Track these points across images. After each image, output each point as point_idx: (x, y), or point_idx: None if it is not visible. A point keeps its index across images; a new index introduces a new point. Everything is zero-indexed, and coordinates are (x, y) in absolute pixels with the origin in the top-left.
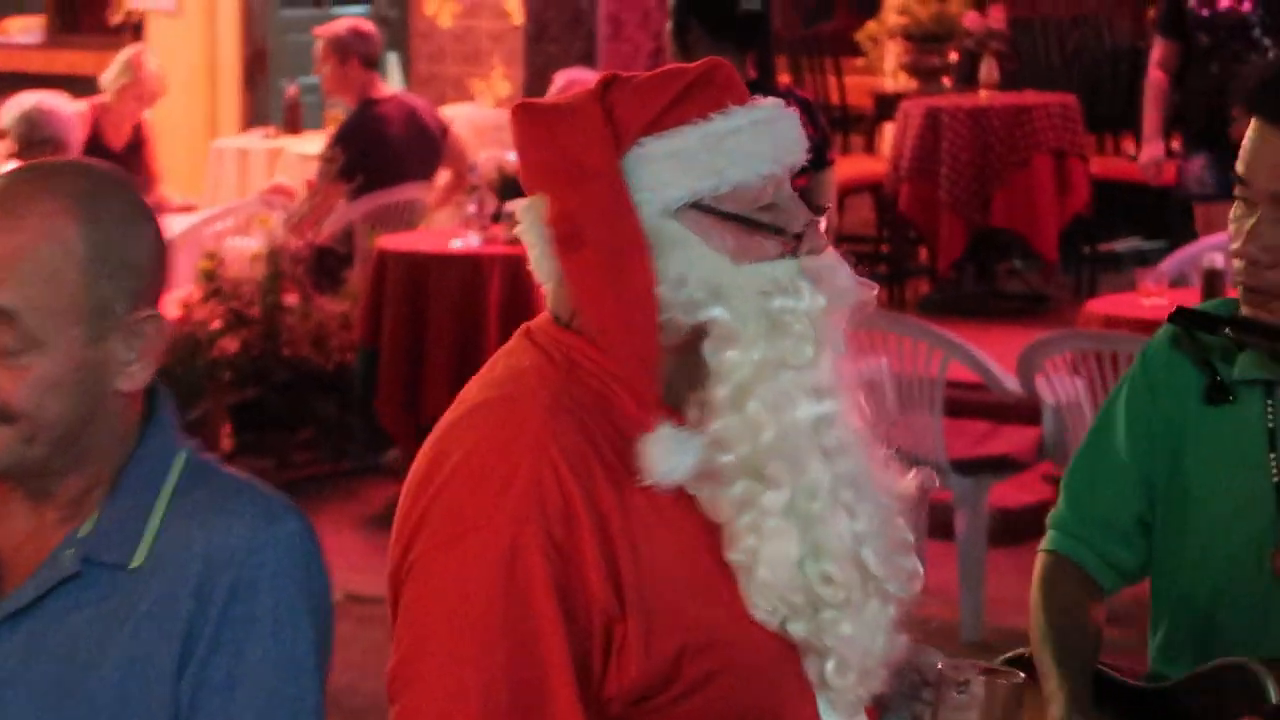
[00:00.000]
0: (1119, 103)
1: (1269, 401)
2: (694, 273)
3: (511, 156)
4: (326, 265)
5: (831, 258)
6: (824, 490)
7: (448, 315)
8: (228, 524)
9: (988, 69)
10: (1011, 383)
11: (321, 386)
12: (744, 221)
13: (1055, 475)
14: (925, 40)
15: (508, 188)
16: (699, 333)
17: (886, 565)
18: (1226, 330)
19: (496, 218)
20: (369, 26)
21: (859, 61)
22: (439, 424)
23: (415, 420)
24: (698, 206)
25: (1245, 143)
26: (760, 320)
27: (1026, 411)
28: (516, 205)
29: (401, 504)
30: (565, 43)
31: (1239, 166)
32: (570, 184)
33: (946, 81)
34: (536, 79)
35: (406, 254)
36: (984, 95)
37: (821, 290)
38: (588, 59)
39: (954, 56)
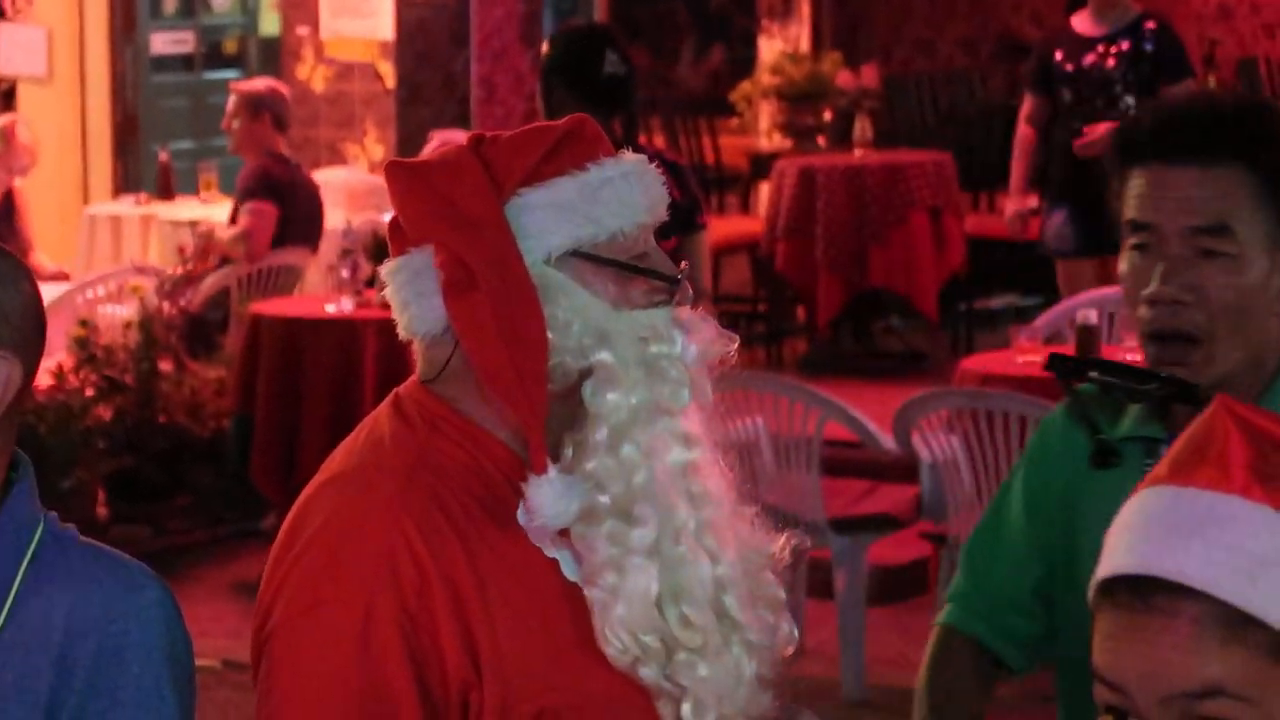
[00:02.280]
0: (993, 160)
1: (1147, 461)
2: (579, 318)
3: (386, 218)
4: (201, 331)
5: (699, 311)
6: (688, 533)
7: (323, 380)
8: (88, 593)
9: (862, 127)
10: (888, 441)
11: (197, 453)
12: (622, 268)
13: (933, 533)
14: (799, 100)
15: (382, 252)
16: (581, 376)
17: (750, 614)
18: (1092, 374)
19: (371, 282)
20: (284, 89)
21: (733, 122)
22: (303, 492)
23: (291, 485)
24: (577, 254)
25: (1136, 191)
26: (638, 365)
27: (904, 470)
28: (385, 267)
29: (265, 572)
30: (438, 106)
31: (1136, 214)
32: (457, 230)
33: (821, 140)
34: (410, 142)
35: (281, 319)
36: (859, 154)
37: (692, 339)
38: (461, 122)
39: (828, 115)
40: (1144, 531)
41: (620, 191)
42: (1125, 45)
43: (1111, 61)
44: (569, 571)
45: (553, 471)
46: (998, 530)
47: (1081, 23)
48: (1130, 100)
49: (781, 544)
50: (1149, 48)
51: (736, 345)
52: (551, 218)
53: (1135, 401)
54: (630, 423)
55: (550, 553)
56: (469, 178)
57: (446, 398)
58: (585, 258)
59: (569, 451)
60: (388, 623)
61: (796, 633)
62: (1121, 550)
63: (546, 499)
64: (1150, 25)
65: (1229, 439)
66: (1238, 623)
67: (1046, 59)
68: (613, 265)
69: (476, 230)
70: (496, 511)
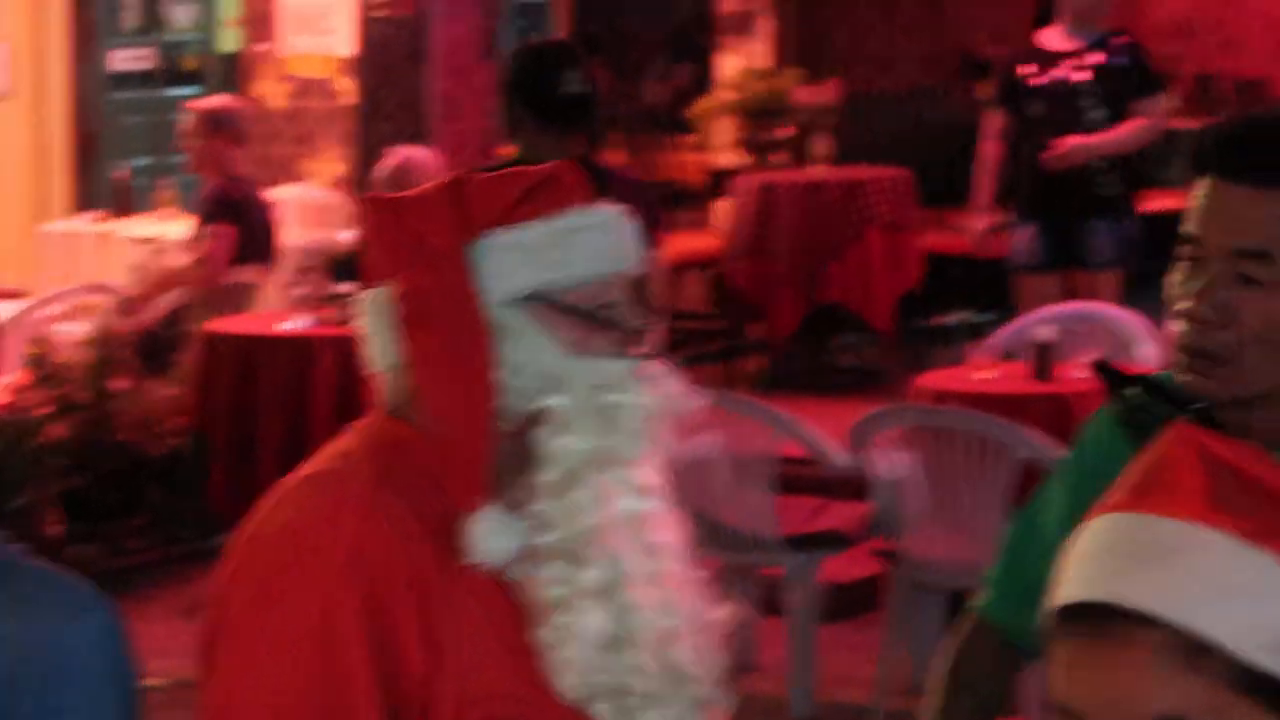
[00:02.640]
0: (951, 177)
1: None
2: (532, 361)
3: (342, 237)
4: (157, 349)
5: (664, 367)
6: (639, 582)
7: (278, 398)
8: (36, 615)
9: (820, 144)
10: (843, 458)
11: (152, 471)
12: (584, 316)
13: (886, 550)
14: (758, 116)
15: (338, 269)
16: (531, 420)
17: (697, 669)
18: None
19: (327, 299)
20: (241, 106)
21: (692, 138)
22: (266, 497)
23: (247, 504)
24: (541, 298)
25: (1195, 202)
26: (593, 413)
27: (858, 486)
28: (358, 294)
29: (222, 564)
30: (399, 122)
31: (1189, 226)
32: (417, 265)
33: (780, 157)
34: (369, 159)
35: (236, 337)
36: (817, 170)
37: (651, 392)
38: (421, 138)
39: (787, 132)
40: (1102, 559)
41: (590, 240)
42: (1097, 59)
43: (1083, 75)
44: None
45: (491, 509)
46: (1035, 522)
47: (1051, 38)
48: (1101, 114)
49: (723, 611)
50: (1121, 61)
51: (702, 405)
52: (517, 260)
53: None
54: (582, 468)
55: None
56: (438, 213)
57: (413, 425)
58: (548, 302)
59: (519, 494)
60: (351, 614)
61: (731, 703)
62: (1080, 578)
63: (483, 536)
64: (1121, 40)
65: (1187, 466)
66: (1198, 651)
67: (1013, 74)
68: (574, 313)
69: (437, 266)
70: (460, 531)
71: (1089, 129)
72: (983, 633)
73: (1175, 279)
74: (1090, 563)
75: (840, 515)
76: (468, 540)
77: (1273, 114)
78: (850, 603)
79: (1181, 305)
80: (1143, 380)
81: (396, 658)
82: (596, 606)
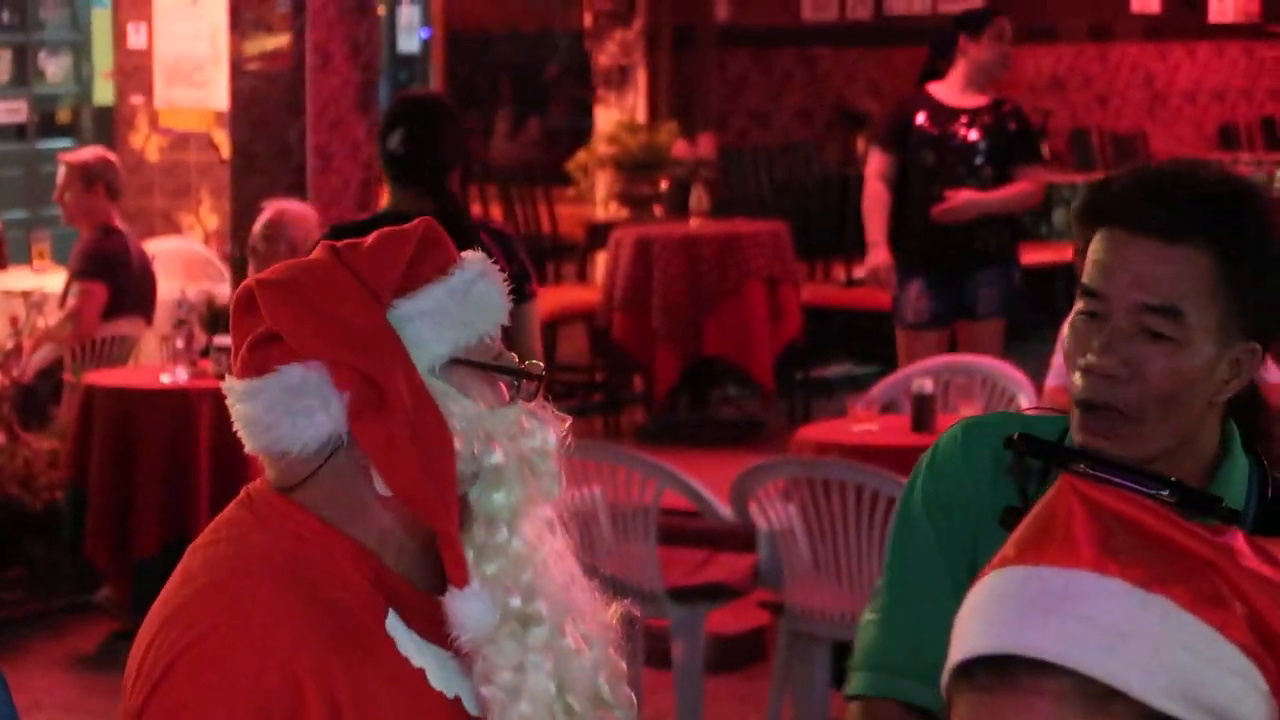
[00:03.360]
0: (828, 229)
1: None
2: (468, 424)
3: (219, 289)
4: (33, 402)
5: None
6: (568, 623)
7: (157, 451)
8: None
9: (698, 197)
10: (726, 510)
11: (30, 525)
12: (492, 370)
13: (771, 602)
14: (635, 169)
15: (216, 322)
16: (470, 481)
17: (616, 694)
18: (1082, 466)
19: (205, 352)
20: (114, 158)
21: (570, 191)
22: (163, 601)
23: (126, 557)
24: (455, 361)
25: (1094, 255)
26: (516, 462)
27: (741, 539)
28: (242, 385)
29: (124, 697)
30: (273, 175)
31: (1089, 280)
32: (355, 349)
33: (658, 210)
34: (245, 211)
35: (114, 389)
36: (695, 223)
37: (550, 428)
38: (297, 191)
39: (664, 185)
40: (998, 612)
41: (482, 293)
42: (989, 120)
43: (977, 133)
44: (435, 680)
45: (476, 584)
46: (912, 579)
47: (945, 92)
48: (989, 172)
49: (616, 612)
50: (1012, 126)
51: (569, 424)
52: (431, 326)
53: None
54: (516, 519)
55: (418, 662)
56: (347, 290)
57: (308, 506)
58: (463, 363)
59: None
60: None
61: (636, 701)
62: (976, 632)
63: (473, 613)
64: (1008, 106)
65: (1075, 517)
66: (1101, 696)
67: (906, 120)
68: (485, 368)
69: (375, 346)
70: (366, 622)
71: (977, 185)
72: (880, 712)
73: (1072, 333)
74: (987, 616)
75: (725, 567)
76: (452, 620)
77: (1176, 165)
78: (736, 654)
79: (1082, 360)
80: (1048, 448)
81: None
82: (544, 660)
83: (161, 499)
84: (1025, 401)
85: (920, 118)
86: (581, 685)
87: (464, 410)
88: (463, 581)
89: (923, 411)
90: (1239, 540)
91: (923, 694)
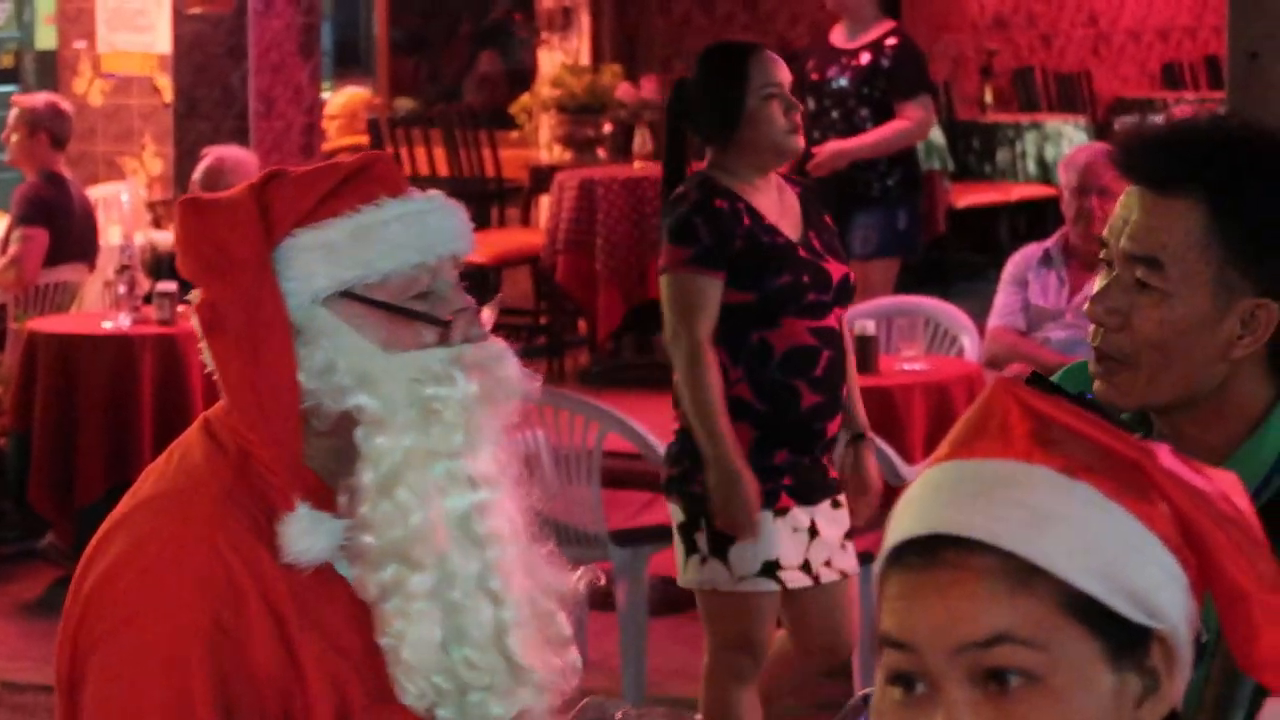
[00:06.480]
0: None
1: None
2: (342, 360)
3: (163, 235)
4: None
5: (495, 349)
6: (469, 578)
7: (100, 398)
8: None
9: (642, 140)
10: None
11: None
12: (394, 310)
13: None
14: (579, 112)
15: (159, 268)
16: (351, 419)
17: (535, 656)
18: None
19: (148, 299)
20: (66, 107)
21: (514, 134)
22: (112, 516)
23: (70, 504)
24: (348, 295)
25: (1118, 206)
26: (411, 408)
27: None
28: (188, 296)
29: (70, 595)
30: (216, 120)
31: (1104, 231)
32: (216, 275)
33: (601, 153)
34: (188, 157)
35: (57, 336)
36: (638, 166)
37: (475, 379)
38: (240, 136)
39: (608, 128)
40: (931, 499)
41: (396, 233)
42: (864, 60)
43: (849, 76)
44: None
45: (301, 508)
46: None
47: (836, 34)
48: (865, 114)
49: (575, 578)
50: (885, 64)
51: (538, 385)
52: (320, 259)
53: None
54: (403, 466)
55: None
56: (242, 220)
57: (247, 425)
58: (356, 299)
59: (345, 495)
60: (197, 640)
61: (580, 663)
62: (908, 519)
63: (295, 535)
64: (892, 42)
65: (1009, 413)
66: (1025, 573)
67: (802, 69)
68: (383, 308)
69: (235, 274)
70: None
71: (852, 130)
72: None
73: (1098, 280)
74: (920, 504)
75: (668, 510)
76: (281, 540)
77: (1183, 120)
78: (680, 597)
79: (1088, 308)
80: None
81: (252, 676)
82: (430, 608)
83: (105, 445)
84: (968, 342)
85: (810, 63)
86: (482, 640)
87: (339, 345)
88: (286, 505)
89: (865, 352)
90: (1164, 449)
91: None
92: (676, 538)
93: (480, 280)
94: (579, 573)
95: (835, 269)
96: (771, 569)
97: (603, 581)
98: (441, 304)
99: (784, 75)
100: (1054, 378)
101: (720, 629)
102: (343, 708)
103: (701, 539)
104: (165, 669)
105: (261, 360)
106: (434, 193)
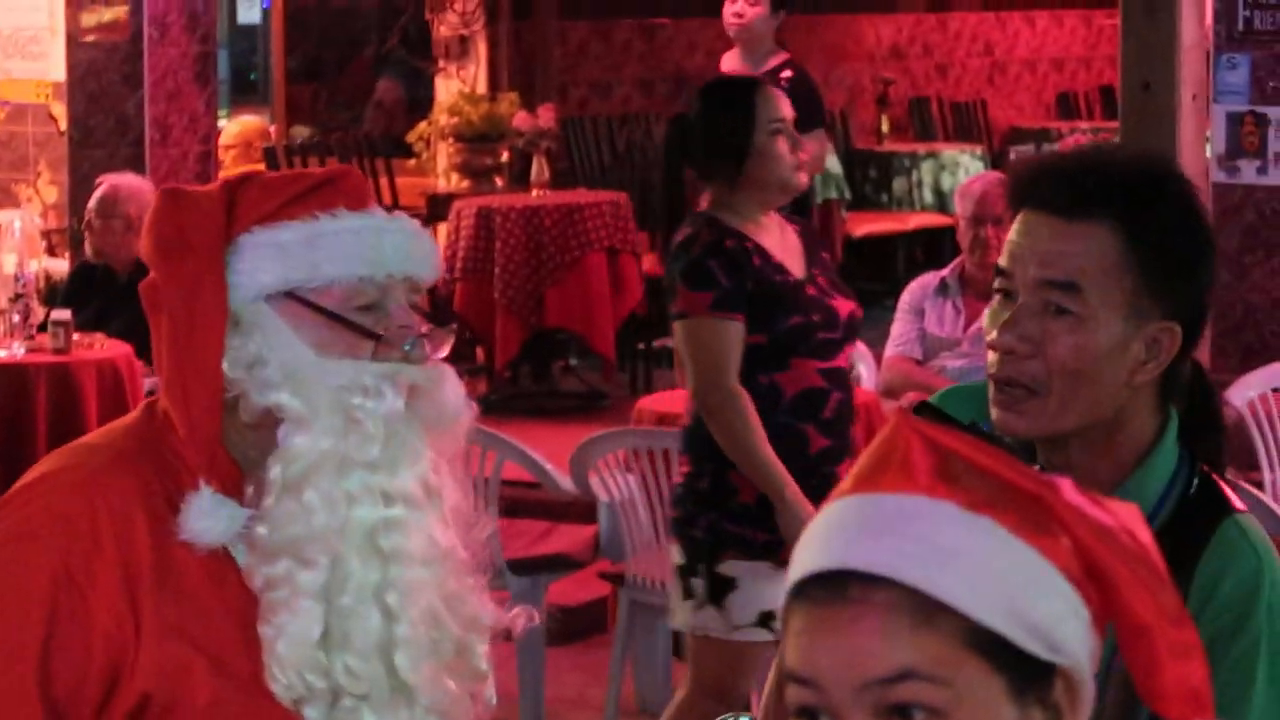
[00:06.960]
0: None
1: None
2: (274, 356)
3: (56, 265)
4: None
5: (434, 373)
6: (364, 586)
7: None
8: None
9: (539, 168)
10: (566, 482)
11: None
12: (332, 316)
13: (612, 572)
14: (476, 140)
15: (54, 297)
16: (271, 415)
17: (423, 679)
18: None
19: (43, 327)
20: None
21: (411, 162)
22: None
23: None
24: (292, 296)
25: (1009, 237)
26: (334, 414)
27: (583, 510)
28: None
29: None
30: (111, 148)
31: (1001, 260)
32: (168, 256)
33: (499, 181)
34: (83, 185)
35: None
36: (536, 194)
37: (405, 399)
38: (135, 164)
39: (505, 156)
40: (834, 534)
41: (345, 243)
42: None
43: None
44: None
45: (206, 490)
46: None
47: (729, 62)
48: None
49: (510, 617)
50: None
51: (474, 414)
52: (271, 257)
53: None
54: (315, 469)
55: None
56: (206, 209)
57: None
58: (298, 300)
59: (250, 487)
60: (40, 573)
61: (494, 699)
62: (811, 554)
63: (194, 515)
64: (787, 74)
65: (912, 448)
66: (929, 609)
67: None
68: (322, 312)
69: (183, 257)
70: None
71: None
72: None
73: (989, 314)
74: (824, 539)
75: (566, 538)
76: (181, 518)
77: (1091, 148)
78: (578, 625)
79: (991, 337)
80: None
81: (86, 622)
82: (315, 607)
83: None
84: (865, 371)
85: None
86: (365, 649)
87: (273, 342)
88: (195, 485)
89: None
90: (1066, 483)
91: None
92: (673, 579)
93: None
94: (514, 612)
95: (842, 305)
96: (767, 620)
97: (538, 621)
98: (385, 320)
99: (788, 110)
100: (932, 399)
101: (705, 674)
102: (179, 678)
103: (698, 584)
104: (3, 589)
105: (192, 343)
106: (400, 215)
